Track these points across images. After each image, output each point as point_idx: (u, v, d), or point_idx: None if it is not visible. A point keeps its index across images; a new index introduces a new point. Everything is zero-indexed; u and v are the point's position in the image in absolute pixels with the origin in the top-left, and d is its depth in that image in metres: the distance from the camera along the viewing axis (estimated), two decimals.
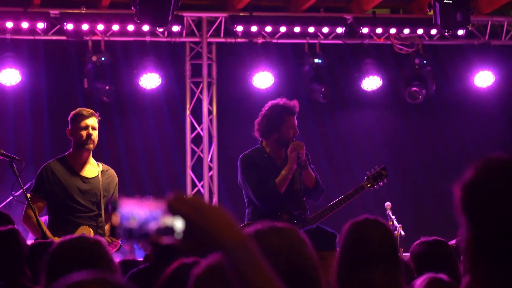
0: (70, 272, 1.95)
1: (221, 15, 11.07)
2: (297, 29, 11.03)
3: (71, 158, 7.09)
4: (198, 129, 11.23)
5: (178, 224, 1.94)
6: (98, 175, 7.09)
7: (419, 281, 3.28)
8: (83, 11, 10.56)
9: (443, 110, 11.90)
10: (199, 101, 11.23)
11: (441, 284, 3.26)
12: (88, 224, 6.96)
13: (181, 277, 3.08)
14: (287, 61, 11.29)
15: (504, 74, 11.51)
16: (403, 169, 11.53)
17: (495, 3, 11.28)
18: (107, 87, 10.50)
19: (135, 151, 11.17)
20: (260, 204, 7.26)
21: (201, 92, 11.21)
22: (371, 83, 11.20)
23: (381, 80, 11.20)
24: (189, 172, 11.20)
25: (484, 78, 11.40)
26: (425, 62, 11.30)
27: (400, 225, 8.27)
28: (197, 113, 11.24)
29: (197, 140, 11.26)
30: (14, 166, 6.75)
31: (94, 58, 10.50)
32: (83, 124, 6.98)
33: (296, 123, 7.35)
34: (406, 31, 11.21)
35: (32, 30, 10.43)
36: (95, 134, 7.02)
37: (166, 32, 10.87)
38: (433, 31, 11.16)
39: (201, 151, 11.21)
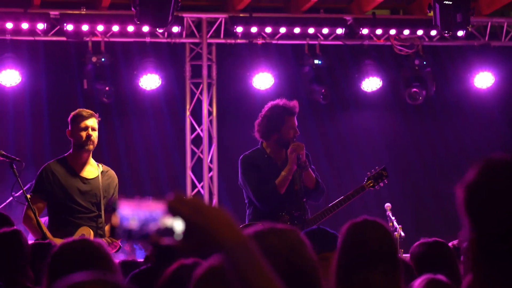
0: (71, 274, 1.96)
1: (221, 16, 11.07)
2: (297, 30, 11.03)
3: (71, 159, 7.10)
4: (198, 130, 11.23)
5: (178, 225, 1.94)
6: (98, 176, 7.09)
7: (418, 282, 3.28)
8: (83, 12, 10.56)
9: (443, 111, 11.90)
10: (199, 102, 11.23)
11: (440, 285, 3.27)
12: (88, 225, 6.96)
13: (181, 278, 3.08)
14: (287, 62, 11.29)
15: (504, 75, 11.51)
16: (403, 170, 11.53)
17: (495, 4, 11.28)
18: (107, 88, 10.50)
19: (135, 152, 11.17)
20: (260, 205, 7.26)
21: (201, 93, 11.22)
22: (371, 84, 11.20)
23: (381, 81, 11.20)
24: (189, 173, 11.20)
25: (484, 79, 11.40)
26: (425, 63, 11.29)
27: (400, 226, 8.27)
28: (197, 114, 11.24)
29: (197, 141, 11.26)
30: (14, 167, 6.75)
31: (94, 59, 10.51)
32: (82, 125, 6.99)
33: (296, 123, 7.36)
34: (406, 32, 11.21)
35: (32, 31, 10.44)
36: (94, 135, 7.02)
37: (166, 33, 10.87)
38: (433, 32, 11.16)
39: (201, 152, 11.21)
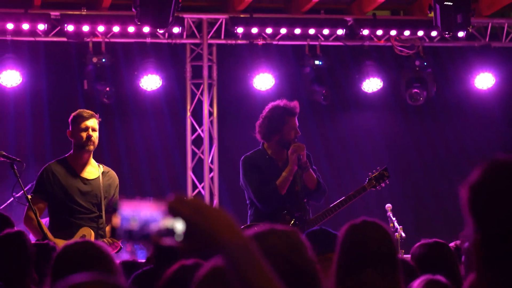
0: (74, 275, 1.96)
1: (222, 17, 11.07)
2: (297, 31, 11.03)
3: (72, 159, 7.10)
4: (199, 130, 11.23)
5: (179, 225, 1.94)
6: (98, 177, 7.10)
7: (417, 283, 3.28)
8: (84, 12, 10.57)
9: (444, 112, 11.90)
10: (200, 103, 11.23)
11: (438, 285, 3.27)
12: (89, 225, 6.96)
13: (181, 278, 3.09)
14: (288, 63, 11.29)
15: (504, 76, 11.51)
16: (403, 170, 11.53)
17: (496, 5, 11.28)
18: (107, 89, 10.51)
19: (135, 152, 11.17)
20: (261, 206, 7.27)
21: (201, 94, 11.22)
22: (372, 84, 11.21)
23: (382, 82, 11.20)
24: (190, 174, 11.20)
25: (484, 80, 11.40)
26: (425, 64, 11.29)
27: (401, 226, 8.27)
28: (197, 114, 11.24)
29: (198, 141, 11.26)
30: (15, 167, 6.76)
31: (94, 60, 10.51)
32: (83, 125, 6.99)
33: (297, 124, 7.37)
34: (407, 33, 11.21)
35: (33, 32, 10.44)
36: (95, 135, 7.03)
37: (166, 34, 10.87)
38: (434, 33, 11.15)
39: (202, 153, 11.21)
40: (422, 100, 11.31)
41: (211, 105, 11.26)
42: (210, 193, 11.12)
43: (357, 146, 11.76)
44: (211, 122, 11.26)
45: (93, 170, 7.14)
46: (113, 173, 7.26)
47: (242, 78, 11.08)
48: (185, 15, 10.85)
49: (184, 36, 11.06)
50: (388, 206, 8.49)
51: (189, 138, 11.24)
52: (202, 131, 11.21)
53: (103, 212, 7.03)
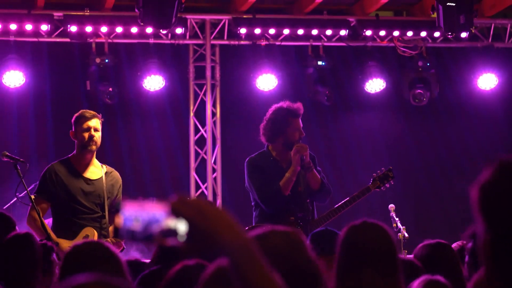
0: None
1: (225, 18, 11.08)
2: (300, 32, 11.04)
3: (75, 159, 7.12)
4: (202, 131, 11.23)
5: (181, 226, 1.95)
6: (102, 177, 7.11)
7: (416, 283, 3.28)
8: (87, 13, 10.58)
9: (446, 112, 11.89)
10: (203, 103, 11.24)
11: (438, 285, 3.27)
12: (92, 225, 6.98)
13: (183, 279, 3.09)
14: (291, 64, 11.30)
15: (507, 76, 11.51)
16: (406, 171, 11.52)
17: (498, 5, 11.28)
18: (110, 89, 10.51)
19: (138, 153, 11.18)
20: (265, 207, 7.28)
21: (204, 94, 11.22)
22: (375, 85, 11.21)
23: (384, 83, 11.20)
24: (193, 174, 11.21)
25: (487, 81, 11.40)
26: (428, 64, 11.29)
27: (403, 227, 8.27)
28: (200, 115, 11.25)
29: (201, 142, 11.26)
30: (18, 167, 6.78)
31: (97, 60, 10.52)
32: (85, 125, 7.01)
33: (301, 125, 7.38)
34: (410, 33, 11.21)
35: (36, 32, 10.44)
36: (97, 135, 7.04)
37: (169, 35, 10.88)
38: (437, 34, 11.16)
39: (205, 153, 11.22)
40: (425, 101, 11.31)
41: (214, 105, 11.26)
42: (213, 193, 11.12)
43: (360, 147, 11.76)
44: (214, 122, 11.26)
45: (96, 170, 7.15)
46: (116, 173, 7.27)
47: (245, 78, 11.09)
48: (188, 16, 10.86)
49: (187, 37, 11.07)
50: (391, 206, 8.49)
51: (192, 138, 11.25)
52: (205, 131, 11.21)
53: (106, 212, 7.04)
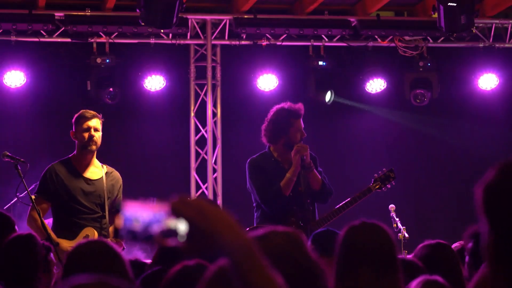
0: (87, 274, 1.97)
1: (226, 18, 11.08)
2: (301, 32, 11.03)
3: (75, 160, 7.13)
4: (203, 131, 11.23)
5: (182, 226, 1.95)
6: (102, 177, 7.12)
7: (414, 284, 3.28)
8: (88, 13, 10.58)
9: (447, 112, 11.89)
10: (204, 103, 11.24)
11: (436, 286, 3.27)
12: (92, 225, 6.99)
13: (184, 279, 3.09)
14: (292, 64, 11.29)
15: (508, 76, 11.50)
16: (406, 171, 11.51)
17: (500, 5, 11.27)
18: (111, 89, 10.52)
19: (139, 153, 11.18)
20: (266, 208, 7.29)
21: (205, 94, 11.22)
22: (375, 85, 11.21)
23: (385, 83, 11.20)
24: (193, 174, 11.21)
25: (488, 81, 11.40)
26: (429, 64, 11.29)
27: (404, 227, 8.28)
28: (201, 115, 11.25)
29: (201, 142, 11.26)
30: (19, 168, 6.78)
31: (98, 60, 10.52)
32: (85, 125, 7.03)
33: (303, 125, 7.38)
34: (411, 33, 11.21)
35: (37, 32, 10.45)
36: (97, 135, 7.05)
37: (170, 35, 10.88)
38: (438, 34, 11.15)
39: (206, 153, 11.22)
40: (426, 101, 11.32)
41: (215, 105, 11.26)
42: (213, 193, 11.12)
43: (360, 147, 11.76)
44: (215, 122, 11.26)
45: (96, 170, 7.16)
46: (116, 173, 7.28)
47: (246, 78, 11.09)
48: (189, 16, 10.86)
49: (188, 37, 11.07)
50: (392, 206, 8.50)
51: (193, 138, 11.25)
52: (205, 131, 11.21)
53: (107, 213, 7.05)
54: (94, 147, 7.05)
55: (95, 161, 7.19)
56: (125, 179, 7.49)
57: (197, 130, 11.25)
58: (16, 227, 5.47)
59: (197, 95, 11.24)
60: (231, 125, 11.38)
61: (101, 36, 10.62)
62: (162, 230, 1.95)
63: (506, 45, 11.58)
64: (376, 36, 11.23)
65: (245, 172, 7.55)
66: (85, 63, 10.63)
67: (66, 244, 6.77)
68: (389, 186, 7.83)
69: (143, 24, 9.79)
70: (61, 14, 10.51)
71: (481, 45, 11.54)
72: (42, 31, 10.45)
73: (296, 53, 11.37)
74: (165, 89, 10.82)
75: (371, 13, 11.35)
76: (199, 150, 11.24)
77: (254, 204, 7.49)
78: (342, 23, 11.14)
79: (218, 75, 11.24)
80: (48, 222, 7.19)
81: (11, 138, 10.57)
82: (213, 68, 11.24)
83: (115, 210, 6.90)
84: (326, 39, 11.21)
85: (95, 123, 7.06)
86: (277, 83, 10.95)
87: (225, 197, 11.12)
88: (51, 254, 4.89)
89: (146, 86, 10.73)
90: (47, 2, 10.54)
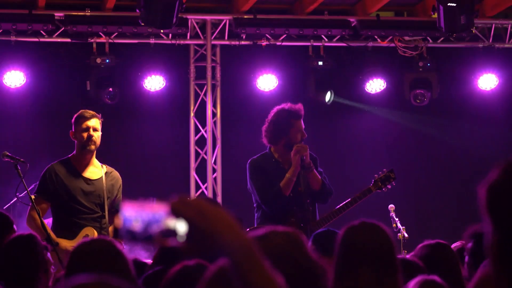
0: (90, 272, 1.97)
1: (226, 18, 11.08)
2: (301, 32, 11.03)
3: (75, 159, 7.13)
4: (202, 131, 11.23)
5: (181, 226, 1.95)
6: (102, 177, 7.12)
7: (412, 284, 3.28)
8: (88, 13, 10.58)
9: (447, 112, 11.89)
10: (203, 103, 11.24)
11: (434, 286, 3.27)
12: (92, 225, 6.99)
13: (183, 279, 3.09)
14: (291, 64, 11.29)
15: (507, 77, 11.51)
16: (406, 171, 11.51)
17: (500, 6, 11.28)
18: (111, 89, 10.52)
19: (138, 153, 11.18)
20: (266, 208, 7.30)
21: (205, 95, 11.22)
22: (375, 85, 11.21)
23: (385, 83, 11.20)
24: (193, 174, 11.21)
25: (488, 81, 11.40)
26: (429, 64, 11.29)
27: (403, 227, 8.28)
28: (201, 115, 11.25)
29: (201, 142, 11.26)
30: (19, 168, 6.79)
31: (98, 60, 10.52)
32: (84, 125, 7.03)
33: (303, 126, 7.39)
34: (410, 34, 11.21)
35: (37, 32, 10.45)
36: (96, 135, 7.05)
37: (170, 35, 10.88)
38: (437, 34, 11.16)
39: (205, 153, 11.22)
40: (426, 101, 11.32)
41: (214, 105, 11.26)
42: (213, 193, 11.13)
43: (360, 147, 11.76)
44: (215, 122, 11.26)
45: (96, 170, 7.16)
46: (116, 173, 7.28)
47: (246, 79, 11.09)
48: (189, 16, 10.86)
49: (188, 37, 11.07)
50: (391, 206, 8.50)
51: (193, 138, 11.25)
52: (205, 131, 11.21)
53: (106, 212, 7.05)
54: (93, 147, 7.06)
55: (95, 161, 7.19)
56: (125, 179, 7.49)
57: (197, 130, 11.26)
58: (14, 226, 5.47)
59: (196, 95, 11.24)
60: (230, 125, 11.38)
61: (101, 36, 10.62)
62: (162, 230, 1.95)
63: (506, 45, 11.59)
64: (376, 36, 11.23)
65: (245, 172, 7.56)
66: (85, 63, 10.63)
67: (66, 244, 6.78)
68: (389, 186, 7.84)
69: (143, 24, 9.80)
70: (61, 14, 10.51)
71: (480, 45, 11.54)
72: (42, 31, 10.45)
73: (296, 53, 11.37)
74: (164, 89, 10.82)
75: (371, 13, 11.35)
76: (199, 150, 11.24)
77: (254, 205, 7.50)
78: (342, 23, 11.15)
79: (218, 75, 11.24)
80: (48, 222, 7.19)
81: (11, 138, 10.57)
82: (213, 68, 11.24)
83: (115, 210, 6.91)
84: (326, 39, 11.21)
85: (94, 123, 7.07)
86: (277, 83, 10.95)
87: (224, 197, 11.12)
88: (48, 254, 4.89)
89: (146, 86, 10.74)
90: (47, 2, 10.54)
